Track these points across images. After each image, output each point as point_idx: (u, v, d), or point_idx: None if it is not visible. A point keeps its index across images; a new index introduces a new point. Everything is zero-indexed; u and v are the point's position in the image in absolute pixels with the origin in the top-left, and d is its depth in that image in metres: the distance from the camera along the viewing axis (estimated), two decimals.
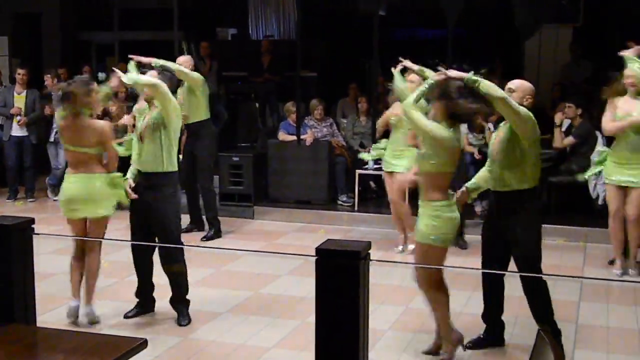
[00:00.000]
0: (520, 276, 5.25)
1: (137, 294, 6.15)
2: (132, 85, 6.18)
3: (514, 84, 5.24)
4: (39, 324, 4.04)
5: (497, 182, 5.22)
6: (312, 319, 3.46)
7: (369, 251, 3.45)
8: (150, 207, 5.85)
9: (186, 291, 6.07)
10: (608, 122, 7.14)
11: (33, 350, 3.54)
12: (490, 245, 5.38)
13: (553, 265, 7.50)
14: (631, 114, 6.96)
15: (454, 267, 6.15)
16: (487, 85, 4.80)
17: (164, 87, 5.80)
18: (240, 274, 7.41)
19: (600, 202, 8.75)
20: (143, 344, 3.37)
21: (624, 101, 7.05)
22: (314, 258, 3.35)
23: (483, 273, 5.46)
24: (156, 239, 5.97)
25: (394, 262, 7.53)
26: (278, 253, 7.70)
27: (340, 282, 3.33)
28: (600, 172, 8.50)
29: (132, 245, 6.02)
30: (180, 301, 6.05)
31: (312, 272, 3.37)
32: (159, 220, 5.87)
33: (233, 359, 5.36)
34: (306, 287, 6.62)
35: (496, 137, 5.27)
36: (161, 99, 5.80)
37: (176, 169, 5.97)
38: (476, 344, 5.46)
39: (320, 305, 3.37)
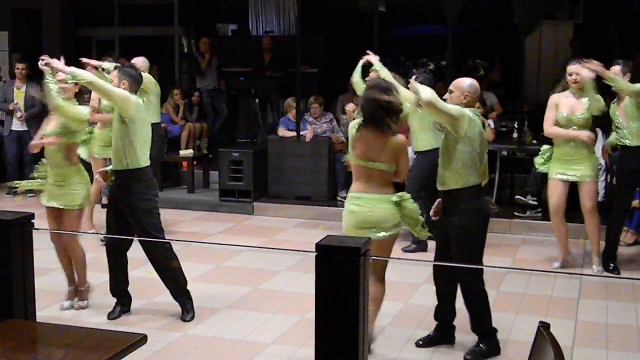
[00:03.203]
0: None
1: (119, 292, 6.15)
2: (69, 80, 5.76)
3: (453, 84, 5.27)
4: (38, 320, 4.04)
5: (438, 181, 5.25)
6: (311, 314, 3.46)
7: (369, 247, 3.45)
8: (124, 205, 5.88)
9: (184, 283, 6.07)
10: (549, 125, 7.15)
11: (32, 345, 3.53)
12: (439, 244, 5.42)
13: (552, 262, 7.51)
14: (575, 113, 7.00)
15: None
16: (416, 90, 4.92)
17: (98, 81, 5.67)
18: (239, 270, 7.41)
19: (600, 198, 8.74)
20: (142, 339, 3.36)
21: (566, 99, 7.11)
22: (314, 254, 3.35)
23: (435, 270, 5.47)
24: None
25: (393, 258, 7.52)
26: (278, 249, 7.71)
27: (340, 278, 3.33)
28: (600, 168, 8.49)
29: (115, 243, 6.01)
30: (180, 294, 6.05)
31: (312, 268, 3.37)
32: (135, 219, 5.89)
33: (233, 354, 5.36)
34: (306, 283, 6.63)
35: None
36: (104, 95, 5.81)
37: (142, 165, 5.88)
38: (426, 343, 5.47)
39: (320, 301, 3.37)
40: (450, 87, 5.25)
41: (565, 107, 7.06)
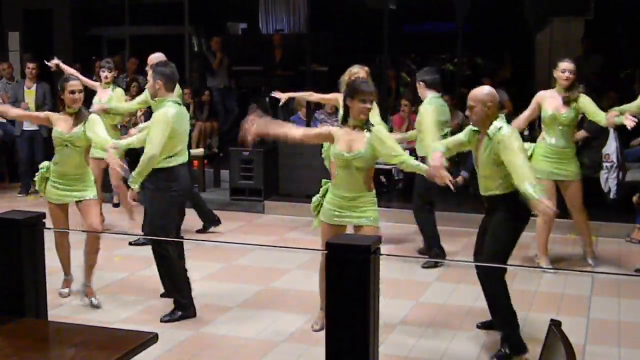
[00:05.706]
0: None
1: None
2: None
3: (471, 97, 5.04)
4: (49, 318, 4.05)
5: None
6: None
7: (379, 246, 3.44)
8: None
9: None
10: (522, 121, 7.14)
11: (44, 344, 3.55)
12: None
13: (564, 259, 7.48)
14: (560, 111, 6.94)
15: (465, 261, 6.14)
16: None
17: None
18: (250, 268, 7.42)
19: (612, 195, 8.70)
20: (153, 338, 3.37)
21: (551, 98, 7.01)
22: (325, 252, 3.35)
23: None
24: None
25: (404, 256, 7.52)
26: (288, 247, 7.70)
27: (351, 277, 3.32)
28: (612, 165, 8.43)
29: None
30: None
31: None
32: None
33: (243, 353, 5.37)
34: (316, 281, 6.61)
35: None
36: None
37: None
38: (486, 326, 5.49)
39: (331, 299, 3.37)
40: (470, 102, 5.03)
41: (551, 105, 6.97)
